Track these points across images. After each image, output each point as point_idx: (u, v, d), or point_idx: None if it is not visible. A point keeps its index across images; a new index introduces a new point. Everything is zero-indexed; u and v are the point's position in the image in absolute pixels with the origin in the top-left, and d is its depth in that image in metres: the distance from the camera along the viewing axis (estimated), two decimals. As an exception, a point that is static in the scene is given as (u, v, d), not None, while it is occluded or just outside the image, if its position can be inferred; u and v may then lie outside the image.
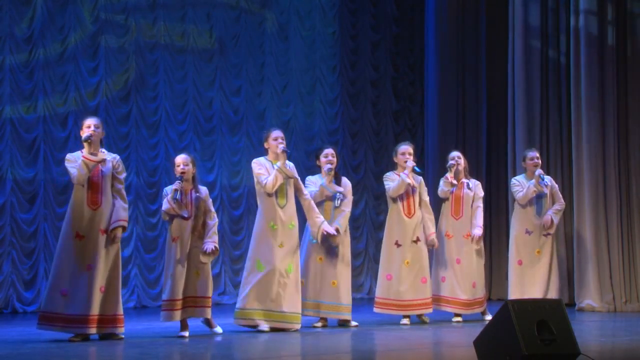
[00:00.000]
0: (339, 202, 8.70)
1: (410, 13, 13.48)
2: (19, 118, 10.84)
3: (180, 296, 7.79)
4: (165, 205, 7.86)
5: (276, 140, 8.37)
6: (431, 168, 12.30)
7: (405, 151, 8.95)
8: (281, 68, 12.59)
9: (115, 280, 7.57)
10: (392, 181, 8.97)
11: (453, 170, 9.27)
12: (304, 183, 8.60)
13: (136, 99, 11.55)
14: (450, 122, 12.47)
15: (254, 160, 8.44)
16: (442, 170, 9.74)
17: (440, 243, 9.21)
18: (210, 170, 11.96)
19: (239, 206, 12.09)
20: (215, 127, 12.07)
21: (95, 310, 7.41)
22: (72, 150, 11.09)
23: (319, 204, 8.62)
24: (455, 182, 9.28)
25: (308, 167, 12.70)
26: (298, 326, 8.24)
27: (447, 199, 9.31)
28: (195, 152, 11.74)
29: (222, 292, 11.96)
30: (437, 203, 9.50)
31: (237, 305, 8.25)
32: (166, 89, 11.76)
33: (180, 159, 8.04)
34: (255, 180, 8.37)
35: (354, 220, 12.33)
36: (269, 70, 12.49)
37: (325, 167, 8.74)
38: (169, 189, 7.97)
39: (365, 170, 13.01)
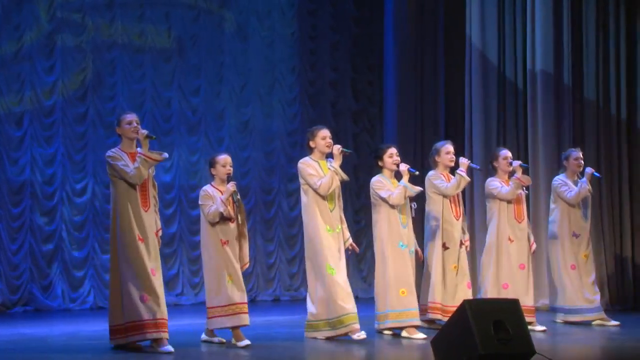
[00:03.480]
0: (414, 211, 8.40)
1: (370, 14, 13.49)
2: (-26, 117, 10.70)
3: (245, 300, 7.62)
4: (221, 207, 7.52)
5: (324, 139, 7.88)
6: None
7: (450, 150, 8.70)
8: (240, 68, 12.54)
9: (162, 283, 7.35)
10: (441, 179, 8.64)
11: (520, 171, 8.86)
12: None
13: (93, 99, 11.43)
14: (408, 122, 12.49)
15: (301, 161, 7.96)
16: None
17: (499, 248, 8.87)
18: (168, 171, 11.87)
19: (197, 206, 11.96)
20: (174, 127, 11.99)
21: (165, 313, 7.20)
22: (28, 150, 11.14)
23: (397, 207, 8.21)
24: (529, 182, 8.96)
25: (266, 167, 12.69)
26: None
27: (510, 202, 8.86)
28: (153, 152, 11.65)
29: (179, 293, 11.88)
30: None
31: (331, 316, 7.77)
32: (124, 88, 11.65)
33: (226, 159, 7.71)
34: (304, 181, 7.88)
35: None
36: (227, 70, 12.43)
37: (402, 165, 8.19)
38: (209, 189, 7.68)
39: (324, 170, 12.97)
